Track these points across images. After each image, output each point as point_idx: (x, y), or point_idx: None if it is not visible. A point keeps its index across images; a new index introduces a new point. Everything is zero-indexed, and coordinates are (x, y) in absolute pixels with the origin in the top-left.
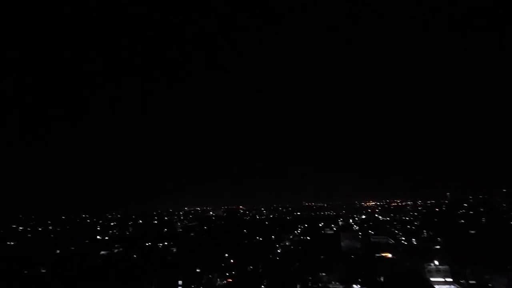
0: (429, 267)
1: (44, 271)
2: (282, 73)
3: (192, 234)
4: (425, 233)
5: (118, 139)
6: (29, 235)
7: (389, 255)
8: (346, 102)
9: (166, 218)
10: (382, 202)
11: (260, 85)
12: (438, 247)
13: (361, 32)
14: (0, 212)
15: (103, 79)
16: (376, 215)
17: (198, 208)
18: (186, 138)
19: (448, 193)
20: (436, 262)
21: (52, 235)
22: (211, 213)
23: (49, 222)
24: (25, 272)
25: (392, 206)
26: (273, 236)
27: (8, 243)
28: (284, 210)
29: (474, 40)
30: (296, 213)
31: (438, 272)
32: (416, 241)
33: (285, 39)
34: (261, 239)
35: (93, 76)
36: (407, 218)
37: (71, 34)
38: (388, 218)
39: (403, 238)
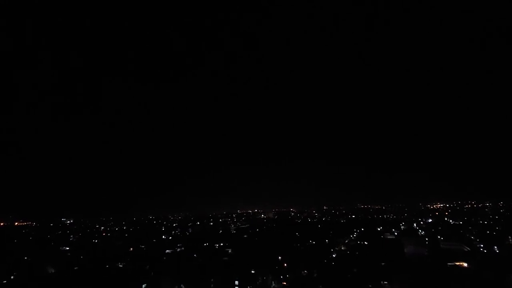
0: None
1: (121, 266)
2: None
3: (245, 236)
4: (511, 240)
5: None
6: (109, 234)
7: (465, 264)
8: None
9: (220, 220)
10: (453, 203)
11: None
12: None
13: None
14: (86, 214)
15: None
16: (446, 219)
17: (250, 211)
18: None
19: None
20: None
21: (126, 235)
22: (262, 215)
23: (123, 223)
24: (107, 266)
25: (465, 208)
26: (326, 240)
27: (93, 241)
28: (337, 212)
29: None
30: (351, 216)
31: None
32: (498, 248)
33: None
34: (314, 242)
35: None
36: (485, 222)
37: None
38: (461, 222)
39: (482, 245)
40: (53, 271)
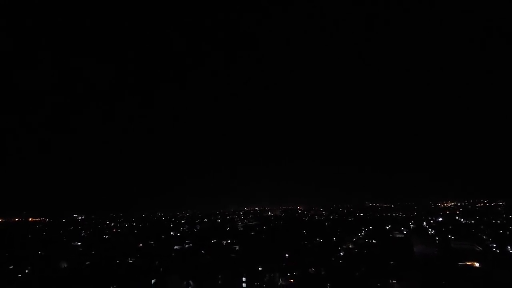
0: None
1: (131, 261)
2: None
3: (252, 233)
4: None
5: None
6: (119, 230)
7: (476, 264)
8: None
9: (228, 217)
10: (464, 202)
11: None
12: None
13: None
14: (97, 211)
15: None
16: (457, 218)
17: (257, 208)
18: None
19: None
20: None
21: (135, 231)
22: (269, 213)
23: (133, 219)
24: (117, 261)
25: (477, 207)
26: (334, 238)
27: (104, 237)
28: (345, 211)
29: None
30: (359, 214)
31: None
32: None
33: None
34: (321, 240)
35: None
36: (498, 221)
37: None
38: (472, 221)
39: (494, 245)
40: (65, 266)
